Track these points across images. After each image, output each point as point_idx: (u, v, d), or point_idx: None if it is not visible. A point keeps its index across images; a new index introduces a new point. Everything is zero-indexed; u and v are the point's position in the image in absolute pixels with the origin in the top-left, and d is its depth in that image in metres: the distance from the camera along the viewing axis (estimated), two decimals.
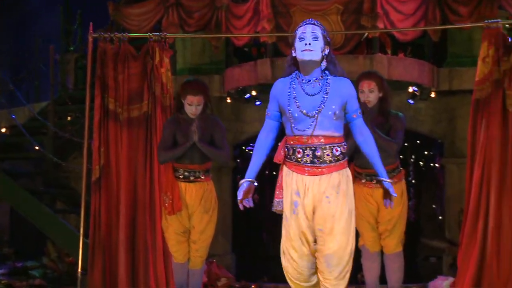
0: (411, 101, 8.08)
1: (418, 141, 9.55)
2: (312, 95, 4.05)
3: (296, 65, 4.13)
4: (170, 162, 5.79)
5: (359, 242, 5.72)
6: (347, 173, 4.16)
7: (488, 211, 6.22)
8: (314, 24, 4.10)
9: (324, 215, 4.08)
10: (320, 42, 4.08)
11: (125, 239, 6.58)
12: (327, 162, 4.06)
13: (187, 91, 5.66)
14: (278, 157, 4.19)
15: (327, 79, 4.07)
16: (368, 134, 4.16)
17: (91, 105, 6.81)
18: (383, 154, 4.97)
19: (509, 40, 6.31)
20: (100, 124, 6.69)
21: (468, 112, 6.49)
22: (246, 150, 11.05)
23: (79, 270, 6.64)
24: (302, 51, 4.05)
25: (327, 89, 4.04)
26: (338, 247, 4.08)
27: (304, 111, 4.04)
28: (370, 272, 5.71)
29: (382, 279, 5.83)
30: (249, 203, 4.19)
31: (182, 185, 5.79)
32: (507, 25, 7.04)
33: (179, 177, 5.80)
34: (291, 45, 4.14)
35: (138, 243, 6.61)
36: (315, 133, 4.03)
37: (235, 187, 9.53)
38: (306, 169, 4.08)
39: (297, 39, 4.08)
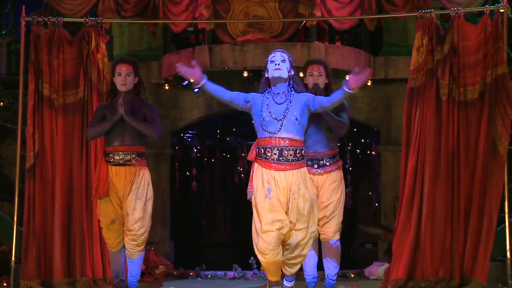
0: (348, 89, 8.16)
1: (355, 129, 9.69)
2: (279, 104, 5.08)
3: (268, 84, 5.19)
4: (99, 139, 5.95)
5: None
6: (305, 170, 5.13)
7: (422, 198, 6.35)
8: (282, 52, 5.24)
9: (292, 209, 5.03)
10: (287, 64, 5.17)
11: (60, 226, 6.48)
12: (290, 160, 5.01)
13: (116, 62, 5.86)
14: (251, 155, 5.14)
15: (291, 92, 5.14)
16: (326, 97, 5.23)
17: (25, 91, 6.66)
18: (327, 137, 5.62)
19: (442, 30, 6.44)
20: (34, 110, 6.55)
21: (404, 100, 6.61)
22: (185, 137, 11.02)
23: (13, 258, 6.52)
24: (273, 70, 5.13)
25: (291, 99, 5.10)
26: (302, 237, 5.07)
27: (274, 116, 5.04)
28: (308, 260, 5.78)
29: (319, 266, 5.90)
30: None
31: (113, 169, 5.75)
32: (439, 16, 7.18)
33: (110, 161, 5.76)
34: (264, 69, 5.21)
35: (74, 231, 6.52)
36: (281, 135, 4.99)
37: (173, 174, 9.52)
38: (273, 165, 5.01)
39: (269, 63, 5.18)
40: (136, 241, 5.79)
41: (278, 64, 5.12)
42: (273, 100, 5.10)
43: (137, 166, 5.77)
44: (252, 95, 5.20)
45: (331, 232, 5.74)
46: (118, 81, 5.79)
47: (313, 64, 5.88)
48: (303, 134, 5.11)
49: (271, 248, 4.97)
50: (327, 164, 5.73)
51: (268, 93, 5.15)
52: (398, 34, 8.31)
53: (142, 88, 5.95)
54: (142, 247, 5.86)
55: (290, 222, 5.02)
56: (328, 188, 5.71)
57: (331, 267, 5.81)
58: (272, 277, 5.16)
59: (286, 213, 5.01)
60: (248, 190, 5.20)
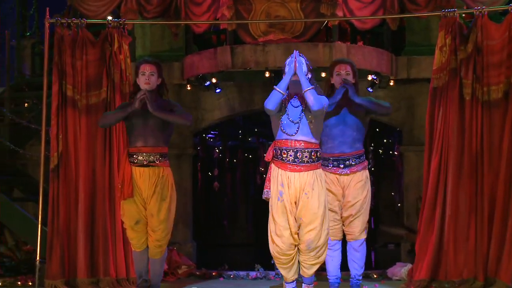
0: (370, 89, 8.15)
1: (377, 129, 9.65)
2: (296, 107, 5.21)
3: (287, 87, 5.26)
4: (122, 140, 6.20)
5: None
6: (320, 172, 5.22)
7: (446, 198, 6.31)
8: (300, 55, 5.30)
9: (304, 208, 5.12)
10: (304, 68, 5.26)
11: (84, 226, 6.52)
12: (305, 162, 5.12)
13: (140, 62, 5.90)
14: (268, 156, 5.25)
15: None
16: None
17: (49, 92, 6.72)
18: (353, 138, 5.74)
19: (466, 29, 6.40)
20: (58, 111, 6.61)
21: (426, 100, 6.57)
22: (207, 137, 11.04)
23: (37, 258, 6.57)
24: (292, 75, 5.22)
25: (305, 102, 5.16)
26: (315, 235, 5.13)
27: (291, 118, 5.17)
28: (332, 260, 5.79)
29: (342, 267, 5.88)
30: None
31: (137, 170, 5.77)
32: (463, 15, 7.13)
33: (134, 162, 5.78)
34: (282, 72, 5.30)
35: (98, 231, 6.57)
36: (298, 137, 5.12)
37: (195, 174, 9.54)
38: (289, 166, 5.13)
39: (287, 66, 5.27)
40: (160, 241, 5.81)
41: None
42: (291, 103, 5.23)
43: (160, 167, 5.79)
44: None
45: (358, 231, 5.76)
46: (142, 80, 5.82)
47: (341, 63, 5.95)
48: (319, 136, 5.24)
49: (285, 250, 5.14)
50: (353, 164, 5.78)
51: (287, 95, 5.26)
52: (420, 33, 8.26)
53: (165, 89, 5.98)
54: (165, 247, 5.88)
55: (302, 222, 5.13)
56: (354, 187, 5.76)
57: (357, 267, 5.83)
58: (288, 278, 5.25)
59: (295, 215, 5.14)
60: (264, 190, 5.27)
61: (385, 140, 9.94)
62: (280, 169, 5.18)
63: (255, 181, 11.52)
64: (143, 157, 5.77)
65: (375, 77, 7.85)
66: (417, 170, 8.09)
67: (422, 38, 8.22)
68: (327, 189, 5.38)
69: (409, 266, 6.81)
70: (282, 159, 5.16)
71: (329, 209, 5.42)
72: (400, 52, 8.17)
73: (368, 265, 6.72)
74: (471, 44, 6.31)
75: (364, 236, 5.80)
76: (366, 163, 5.93)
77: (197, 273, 7.51)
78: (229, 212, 11.38)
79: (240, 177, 11.52)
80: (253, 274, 7.38)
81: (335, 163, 5.74)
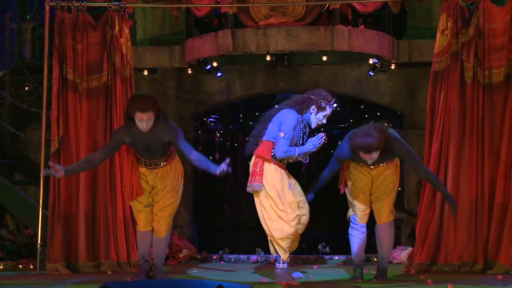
0: (371, 73, 8.13)
1: (378, 113, 9.63)
2: (301, 134, 5.83)
3: (301, 111, 5.80)
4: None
5: (349, 212, 5.94)
6: None
7: (446, 182, 6.32)
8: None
9: (299, 193, 5.80)
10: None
11: (85, 210, 6.54)
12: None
13: (135, 108, 5.44)
14: (268, 155, 5.66)
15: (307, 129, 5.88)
16: None
17: (49, 75, 6.71)
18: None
19: (467, 12, 6.37)
20: (58, 94, 6.61)
21: (428, 84, 6.55)
22: (208, 121, 11.03)
23: (39, 241, 6.61)
24: (316, 122, 5.86)
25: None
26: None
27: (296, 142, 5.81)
28: (357, 242, 5.88)
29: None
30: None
31: (144, 169, 5.76)
32: None
33: (141, 163, 5.75)
34: (317, 104, 5.80)
35: (99, 215, 6.59)
36: None
37: None
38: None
39: (327, 108, 5.81)
40: (167, 219, 5.88)
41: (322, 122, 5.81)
42: (301, 127, 5.76)
43: (168, 165, 5.78)
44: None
45: (386, 213, 5.83)
46: (140, 126, 5.51)
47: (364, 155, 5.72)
48: None
49: (297, 230, 5.66)
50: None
51: (300, 119, 5.77)
52: (422, 17, 8.22)
53: (162, 115, 5.62)
54: (171, 225, 5.96)
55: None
56: (383, 173, 5.78)
57: (385, 250, 5.90)
58: (287, 257, 5.71)
59: None
60: (256, 183, 5.68)
61: (386, 124, 9.91)
62: (278, 167, 5.69)
63: None
64: (151, 163, 5.73)
65: (377, 60, 7.82)
66: (418, 153, 8.02)
67: (423, 22, 8.18)
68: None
69: (409, 250, 6.83)
70: (281, 161, 5.74)
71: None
72: (401, 35, 8.14)
73: (368, 248, 6.75)
74: (472, 27, 6.29)
75: (391, 218, 5.90)
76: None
77: (198, 256, 7.54)
78: (230, 196, 11.39)
79: (241, 161, 11.52)
80: (254, 257, 7.41)
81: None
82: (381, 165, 5.72)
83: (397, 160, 5.86)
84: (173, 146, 5.73)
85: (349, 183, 5.85)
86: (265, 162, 5.68)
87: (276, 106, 6.08)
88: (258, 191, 5.69)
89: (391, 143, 5.55)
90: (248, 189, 5.75)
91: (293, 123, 5.67)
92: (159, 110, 5.57)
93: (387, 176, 5.76)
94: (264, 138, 5.73)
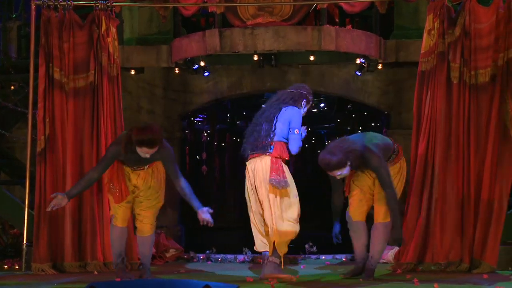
0: (358, 73, 8.14)
1: (365, 113, 9.66)
2: None
3: None
4: (110, 129, 6.30)
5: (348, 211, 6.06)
6: None
7: (433, 182, 6.34)
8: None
9: None
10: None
11: (71, 210, 6.51)
12: None
13: (142, 144, 5.45)
14: (286, 156, 5.79)
15: None
16: None
17: (35, 75, 6.67)
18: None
19: (454, 12, 6.39)
20: (45, 93, 6.58)
21: (414, 84, 6.57)
22: (195, 121, 11.01)
23: (24, 242, 6.58)
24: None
25: None
26: None
27: None
28: (354, 240, 6.02)
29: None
30: None
31: (128, 169, 5.80)
32: None
33: (126, 166, 5.81)
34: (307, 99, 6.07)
35: (85, 215, 6.56)
36: None
37: (183, 158, 9.52)
38: None
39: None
40: (150, 218, 5.91)
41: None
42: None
43: (149, 168, 5.84)
44: None
45: (383, 212, 5.85)
46: (142, 155, 5.55)
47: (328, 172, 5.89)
48: None
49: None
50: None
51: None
52: (409, 17, 8.24)
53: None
54: (155, 223, 5.96)
55: None
56: None
57: (376, 250, 5.93)
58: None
59: None
60: (285, 180, 5.70)
61: (373, 124, 9.93)
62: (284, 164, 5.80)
63: (244, 164, 11.53)
64: (137, 168, 5.81)
65: (364, 60, 7.84)
66: (405, 153, 8.08)
67: (410, 22, 8.20)
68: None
69: (396, 249, 6.85)
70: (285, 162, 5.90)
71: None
72: (388, 35, 8.16)
73: (347, 248, 6.77)
74: (459, 28, 6.32)
75: (388, 219, 5.88)
76: (399, 156, 6.07)
77: (185, 256, 7.52)
78: (217, 195, 11.38)
79: (228, 160, 11.52)
80: (240, 257, 7.41)
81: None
82: None
83: (401, 162, 5.92)
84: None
85: (351, 183, 5.95)
86: (279, 160, 5.73)
87: (263, 105, 6.09)
88: (279, 189, 5.68)
89: (365, 157, 5.61)
90: (281, 185, 5.67)
91: (301, 119, 5.82)
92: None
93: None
94: (276, 139, 5.76)
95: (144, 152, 5.51)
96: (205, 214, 5.52)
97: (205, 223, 5.53)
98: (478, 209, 6.24)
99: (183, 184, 5.61)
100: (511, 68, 6.20)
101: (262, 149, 5.76)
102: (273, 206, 5.69)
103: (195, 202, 5.57)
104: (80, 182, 5.73)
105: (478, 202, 6.25)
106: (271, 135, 5.75)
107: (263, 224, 5.83)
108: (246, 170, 5.92)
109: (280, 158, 5.74)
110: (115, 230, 5.92)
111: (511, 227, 6.38)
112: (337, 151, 5.53)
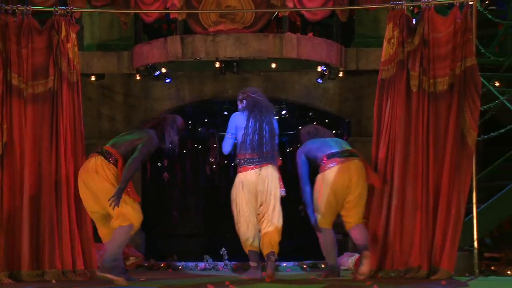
0: (320, 81, 8.20)
1: (326, 120, 9.71)
2: None
3: None
4: (70, 133, 6.49)
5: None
6: None
7: (392, 189, 6.40)
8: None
9: None
10: None
11: (29, 218, 6.41)
12: None
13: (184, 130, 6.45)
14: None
15: None
16: None
17: None
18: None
19: (413, 22, 6.48)
20: (2, 99, 6.48)
21: (375, 91, 6.64)
22: None
23: None
24: None
25: None
26: None
27: None
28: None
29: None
30: None
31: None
32: (411, 8, 7.22)
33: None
34: None
35: (43, 222, 6.46)
36: None
37: (145, 165, 9.46)
38: None
39: None
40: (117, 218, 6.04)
41: None
42: None
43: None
44: None
45: (357, 219, 6.38)
46: (167, 143, 6.31)
47: None
48: None
49: None
50: None
51: None
52: (369, 25, 8.34)
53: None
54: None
55: None
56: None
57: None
58: None
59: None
60: (282, 189, 6.37)
61: (334, 131, 10.00)
62: None
63: (205, 171, 11.50)
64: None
65: (325, 68, 7.90)
66: (366, 160, 8.17)
67: (371, 30, 8.30)
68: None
69: (356, 256, 6.89)
70: None
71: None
72: (349, 43, 8.23)
73: (316, 255, 6.79)
74: (418, 37, 6.40)
75: (361, 222, 6.43)
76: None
77: (146, 264, 7.47)
78: (179, 202, 11.34)
79: (190, 167, 11.48)
80: (202, 265, 7.37)
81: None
82: None
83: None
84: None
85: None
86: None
87: (247, 113, 6.34)
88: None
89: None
90: (282, 192, 6.35)
91: None
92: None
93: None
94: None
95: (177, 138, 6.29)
96: (112, 197, 5.84)
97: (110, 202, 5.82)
98: (437, 215, 6.30)
99: (130, 160, 5.98)
100: (468, 77, 6.30)
101: (272, 159, 6.27)
102: (277, 207, 6.25)
103: (121, 183, 5.89)
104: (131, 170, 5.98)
105: (436, 209, 6.32)
106: (276, 148, 6.33)
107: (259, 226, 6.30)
108: (247, 176, 6.19)
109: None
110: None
111: (468, 234, 6.47)
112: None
